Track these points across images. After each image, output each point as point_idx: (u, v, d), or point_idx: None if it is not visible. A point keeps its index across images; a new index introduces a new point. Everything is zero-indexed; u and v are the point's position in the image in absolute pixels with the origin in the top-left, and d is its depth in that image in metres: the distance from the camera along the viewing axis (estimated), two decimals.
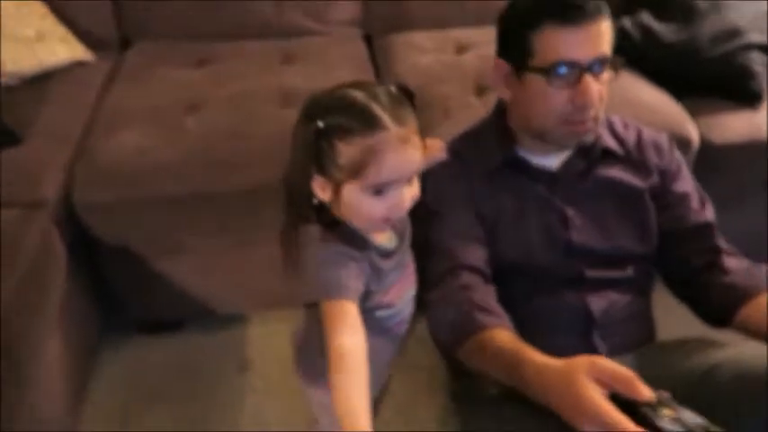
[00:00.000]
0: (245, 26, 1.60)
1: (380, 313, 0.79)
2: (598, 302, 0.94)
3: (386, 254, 0.78)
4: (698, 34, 1.37)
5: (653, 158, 1.03)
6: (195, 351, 1.40)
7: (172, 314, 1.40)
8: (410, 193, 0.73)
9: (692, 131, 1.33)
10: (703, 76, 1.36)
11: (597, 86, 0.89)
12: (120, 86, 1.43)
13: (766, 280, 0.91)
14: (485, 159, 0.98)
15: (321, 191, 0.73)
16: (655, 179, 1.01)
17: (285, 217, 0.77)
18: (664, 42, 1.41)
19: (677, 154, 1.06)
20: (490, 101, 1.30)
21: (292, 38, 1.60)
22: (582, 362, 0.67)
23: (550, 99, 0.90)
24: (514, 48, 0.92)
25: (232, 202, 1.22)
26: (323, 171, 0.71)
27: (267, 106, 1.32)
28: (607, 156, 1.00)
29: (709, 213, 1.03)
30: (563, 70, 0.88)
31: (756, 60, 1.37)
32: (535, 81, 0.91)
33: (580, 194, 0.99)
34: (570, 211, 0.98)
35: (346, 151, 0.69)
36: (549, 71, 0.88)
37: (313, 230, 0.74)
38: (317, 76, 1.41)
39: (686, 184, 1.04)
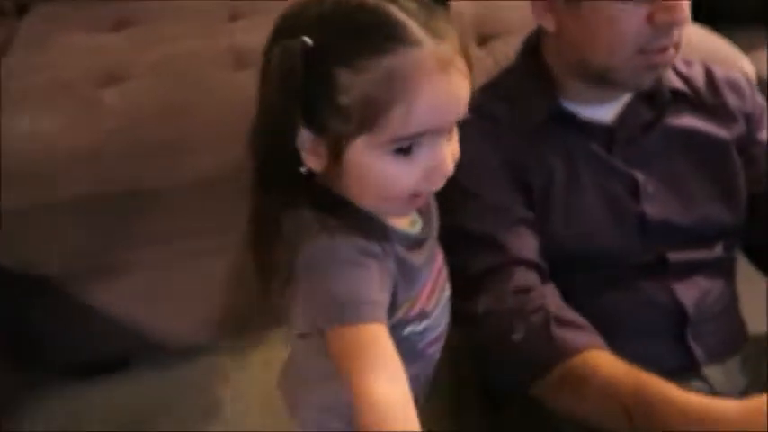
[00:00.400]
0: None
1: (411, 329, 0.61)
2: (688, 293, 0.79)
3: (414, 243, 0.60)
4: None
5: (733, 101, 0.85)
6: (147, 395, 1.20)
7: (112, 351, 1.19)
8: (450, 150, 0.55)
9: (749, 68, 1.14)
10: (741, 3, 1.15)
11: None
12: (14, 59, 1.20)
13: None
14: (522, 114, 0.80)
15: (312, 154, 0.54)
16: (741, 127, 0.84)
17: (256, 202, 0.57)
18: None
19: (758, 95, 0.89)
20: (497, 49, 1.07)
21: None
22: None
23: (622, 20, 0.71)
24: None
25: (178, 199, 1.02)
26: (314, 121, 0.52)
27: (215, 70, 1.07)
28: (677, 100, 0.83)
29: None
30: None
31: None
32: None
33: (647, 153, 0.81)
34: (639, 176, 0.80)
35: (354, 84, 0.50)
36: None
37: (306, 218, 0.54)
38: None
39: None
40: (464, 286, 0.71)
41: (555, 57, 0.81)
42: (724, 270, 0.83)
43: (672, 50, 0.74)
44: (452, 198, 0.65)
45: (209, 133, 0.98)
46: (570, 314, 0.71)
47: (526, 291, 0.72)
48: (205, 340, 1.21)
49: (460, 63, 0.52)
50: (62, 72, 1.07)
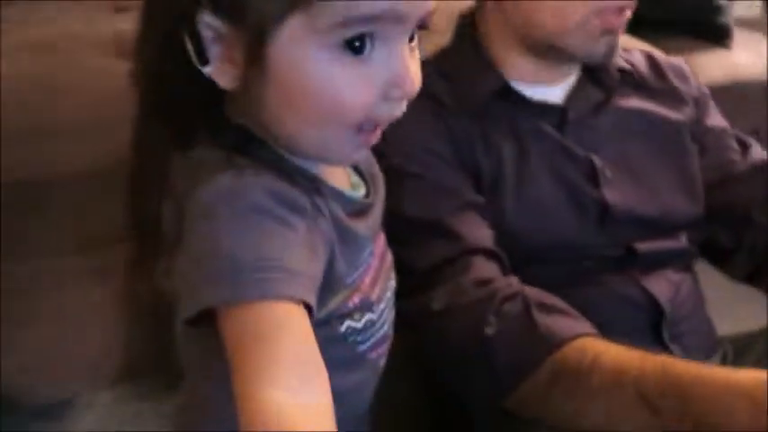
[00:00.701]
0: None
1: (350, 325, 0.47)
2: (661, 287, 0.73)
3: (357, 210, 0.48)
4: None
5: (679, 84, 0.83)
6: None
7: None
8: (414, 63, 0.43)
9: None
10: (664, 11, 1.19)
11: None
12: None
13: None
14: (465, 92, 0.73)
15: (221, 60, 0.40)
16: (691, 110, 0.81)
17: (138, 143, 0.44)
18: None
19: (700, 81, 0.87)
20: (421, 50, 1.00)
21: None
22: None
23: None
24: None
25: (44, 198, 0.81)
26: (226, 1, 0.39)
27: (94, 56, 0.91)
28: (624, 82, 0.79)
29: (761, 151, 0.82)
30: None
31: None
32: None
33: (601, 135, 0.76)
34: (596, 159, 0.74)
35: None
36: None
37: (206, 158, 0.41)
38: None
39: (720, 117, 0.85)
40: (412, 283, 0.61)
41: (497, 31, 0.74)
42: (690, 264, 0.77)
43: (627, 12, 0.70)
44: (389, 181, 0.55)
45: (82, 118, 0.80)
46: (552, 299, 0.61)
47: (488, 282, 0.62)
48: (71, 395, 0.97)
49: None
50: None
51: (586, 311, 0.67)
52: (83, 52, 0.89)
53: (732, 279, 0.80)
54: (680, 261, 0.75)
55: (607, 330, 0.66)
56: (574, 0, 0.66)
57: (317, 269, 0.40)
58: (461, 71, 0.74)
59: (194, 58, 0.39)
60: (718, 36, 1.24)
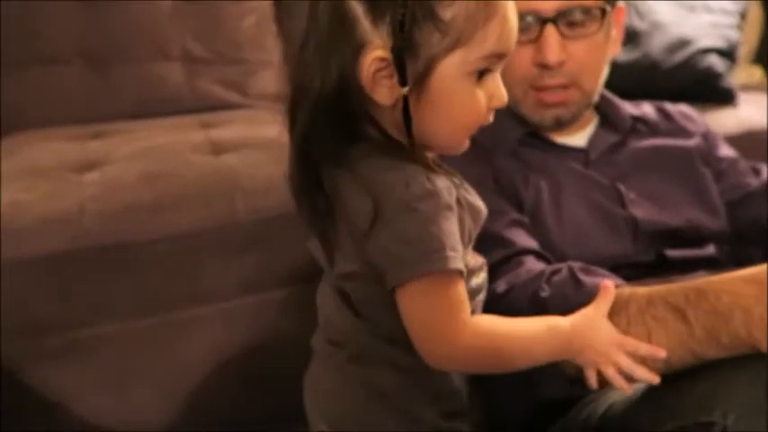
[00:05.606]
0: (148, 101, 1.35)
1: (475, 282, 0.59)
2: None
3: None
4: (649, 49, 1.34)
5: (686, 124, 0.94)
6: None
7: None
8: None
9: None
10: (670, 87, 1.29)
11: (560, 41, 0.77)
12: None
13: None
14: (502, 139, 0.84)
15: (381, 85, 0.52)
16: (699, 141, 0.91)
17: (300, 151, 0.55)
18: (618, 64, 1.34)
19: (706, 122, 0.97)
20: None
21: (209, 112, 1.36)
22: None
23: (514, 60, 0.76)
24: None
25: (155, 257, 0.92)
26: (410, 41, 0.50)
27: (194, 154, 1.06)
28: (636, 129, 0.90)
29: None
30: (522, 23, 0.75)
31: (717, 62, 1.34)
32: None
33: (621, 169, 0.85)
34: (620, 186, 0.83)
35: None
36: None
37: (385, 160, 0.53)
38: (251, 130, 1.18)
39: (729, 149, 0.94)
40: None
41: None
42: (724, 270, 0.82)
43: (560, 92, 0.80)
44: None
45: (189, 194, 0.94)
46: (594, 267, 0.67)
47: (539, 275, 0.69)
48: None
49: None
50: (40, 163, 1.04)
51: None
52: (181, 152, 1.03)
53: None
54: (711, 268, 0.79)
55: None
56: (512, 76, 0.74)
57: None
58: (495, 123, 0.87)
59: (369, 79, 0.51)
60: (724, 98, 1.32)
